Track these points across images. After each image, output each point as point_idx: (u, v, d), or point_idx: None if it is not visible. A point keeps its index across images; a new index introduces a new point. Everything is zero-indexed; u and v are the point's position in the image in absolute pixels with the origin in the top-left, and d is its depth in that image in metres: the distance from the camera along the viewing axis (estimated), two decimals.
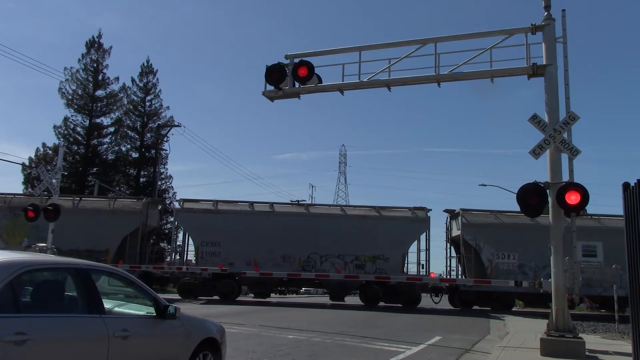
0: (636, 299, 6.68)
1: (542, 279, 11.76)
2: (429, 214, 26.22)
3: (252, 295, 28.79)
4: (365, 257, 25.46)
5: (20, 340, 3.75)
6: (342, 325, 14.94)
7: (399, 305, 25.46)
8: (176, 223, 27.68)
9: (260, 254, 25.37)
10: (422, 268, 27.80)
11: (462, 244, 25.59)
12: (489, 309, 24.91)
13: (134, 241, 26.54)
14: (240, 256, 25.33)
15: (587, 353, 9.84)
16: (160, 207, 30.28)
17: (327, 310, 22.10)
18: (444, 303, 26.58)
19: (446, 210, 27.59)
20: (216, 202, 27.05)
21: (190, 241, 26.86)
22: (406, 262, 26.33)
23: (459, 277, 26.48)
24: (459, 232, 25.80)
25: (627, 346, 8.91)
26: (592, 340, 12.56)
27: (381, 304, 25.67)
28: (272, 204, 27.02)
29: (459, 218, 25.85)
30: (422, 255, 26.08)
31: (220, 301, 24.41)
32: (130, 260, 25.56)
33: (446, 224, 27.86)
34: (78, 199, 28.14)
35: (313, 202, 51.62)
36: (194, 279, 25.33)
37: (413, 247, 26.25)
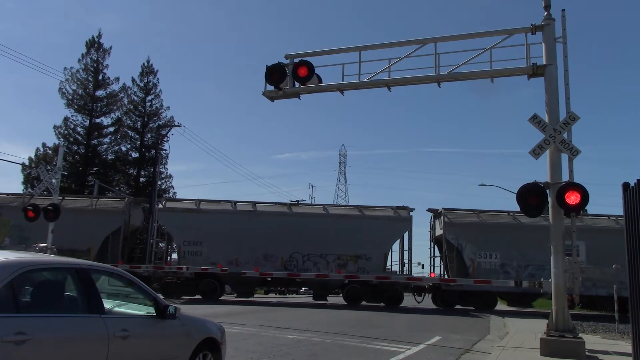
0: (636, 299, 6.67)
1: (542, 279, 11.75)
2: (411, 213, 26.25)
3: (235, 294, 28.66)
4: (348, 257, 25.46)
5: (20, 340, 3.75)
6: (341, 325, 14.95)
7: (382, 304, 25.50)
8: (159, 223, 27.29)
9: (243, 254, 25.39)
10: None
11: (444, 243, 25.60)
12: (472, 308, 24.98)
13: (116, 240, 26.49)
14: (222, 255, 25.33)
15: (587, 353, 9.84)
16: (143, 206, 29.96)
17: (326, 310, 22.11)
18: (427, 302, 26.69)
19: (429, 210, 27.55)
20: (198, 201, 27.10)
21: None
22: (390, 261, 26.56)
23: (442, 276, 26.52)
24: (442, 232, 25.83)
25: (627, 346, 8.91)
26: (592, 340, 12.56)
27: (364, 303, 25.71)
28: (254, 204, 26.94)
29: (442, 217, 25.86)
30: (406, 254, 26.25)
31: (203, 301, 24.35)
32: (112, 260, 25.23)
33: (430, 223, 27.87)
34: (61, 198, 27.94)
35: (313, 202, 51.66)
36: (177, 278, 25.32)
37: (397, 247, 26.42)
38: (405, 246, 26.19)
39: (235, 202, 26.97)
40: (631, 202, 6.79)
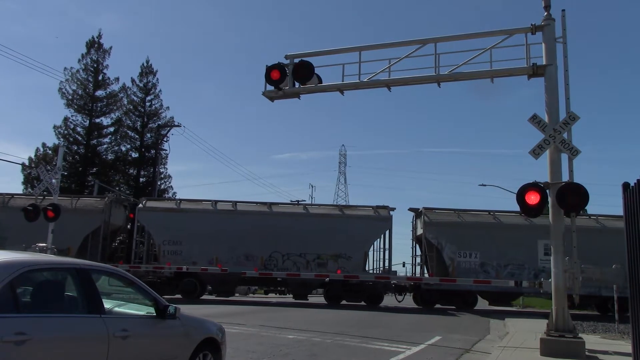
0: (636, 299, 6.67)
1: (542, 279, 11.75)
2: (391, 212, 26.23)
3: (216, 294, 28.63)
4: (327, 256, 25.42)
5: (20, 340, 3.75)
6: (341, 325, 14.95)
7: (363, 303, 25.66)
8: (139, 222, 27.09)
9: (223, 253, 25.39)
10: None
11: (424, 242, 25.51)
12: (453, 307, 25.01)
13: (95, 240, 26.42)
14: (202, 255, 25.38)
15: (587, 353, 9.84)
16: (125, 205, 29.73)
17: (326, 310, 22.11)
18: (407, 301, 26.86)
19: (411, 209, 27.38)
20: (179, 201, 27.20)
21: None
22: (372, 260, 26.71)
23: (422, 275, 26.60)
24: (422, 231, 25.77)
25: (627, 346, 8.90)
26: (592, 340, 12.57)
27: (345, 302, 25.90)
28: (235, 203, 26.89)
29: (422, 216, 25.79)
30: (386, 253, 26.31)
31: (183, 300, 24.29)
32: (92, 259, 24.98)
33: (412, 222, 27.73)
34: (42, 197, 27.85)
35: (313, 202, 51.61)
36: (157, 278, 25.36)
37: (380, 246, 26.50)
38: (386, 245, 26.28)
39: (215, 202, 26.93)
40: (631, 202, 6.79)
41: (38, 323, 3.99)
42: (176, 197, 27.31)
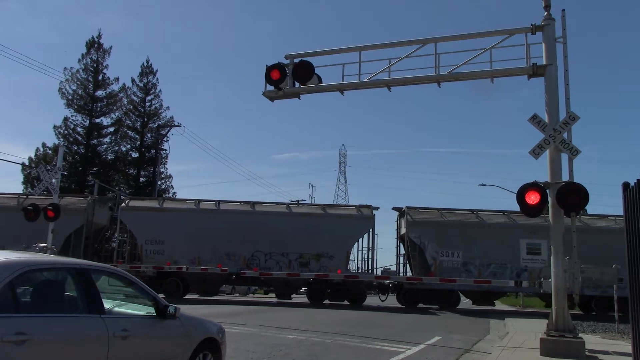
0: (636, 299, 6.67)
1: (542, 279, 11.75)
2: (374, 212, 26.26)
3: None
4: (310, 255, 25.42)
5: (20, 340, 3.75)
6: (341, 325, 14.95)
7: (346, 302, 25.80)
8: (120, 221, 26.99)
9: (205, 252, 25.42)
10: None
11: (407, 241, 25.47)
12: (436, 306, 25.03)
13: (78, 239, 26.33)
14: (184, 254, 25.42)
15: (587, 353, 9.84)
16: (110, 205, 29.60)
17: (326, 310, 22.10)
18: (391, 300, 27.01)
19: (395, 208, 27.35)
20: (162, 200, 27.26)
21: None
22: (356, 259, 27.10)
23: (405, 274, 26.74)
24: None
25: (627, 346, 8.91)
26: (592, 340, 12.56)
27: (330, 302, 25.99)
28: (218, 202, 26.89)
29: (405, 216, 25.75)
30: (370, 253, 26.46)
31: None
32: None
33: (397, 221, 27.69)
34: (24, 197, 27.75)
35: (312, 202, 51.58)
36: (139, 278, 25.20)
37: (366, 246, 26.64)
38: (369, 244, 26.35)
39: (199, 201, 26.93)
40: (631, 202, 6.79)
41: (38, 323, 3.99)
42: (164, 196, 27.23)
